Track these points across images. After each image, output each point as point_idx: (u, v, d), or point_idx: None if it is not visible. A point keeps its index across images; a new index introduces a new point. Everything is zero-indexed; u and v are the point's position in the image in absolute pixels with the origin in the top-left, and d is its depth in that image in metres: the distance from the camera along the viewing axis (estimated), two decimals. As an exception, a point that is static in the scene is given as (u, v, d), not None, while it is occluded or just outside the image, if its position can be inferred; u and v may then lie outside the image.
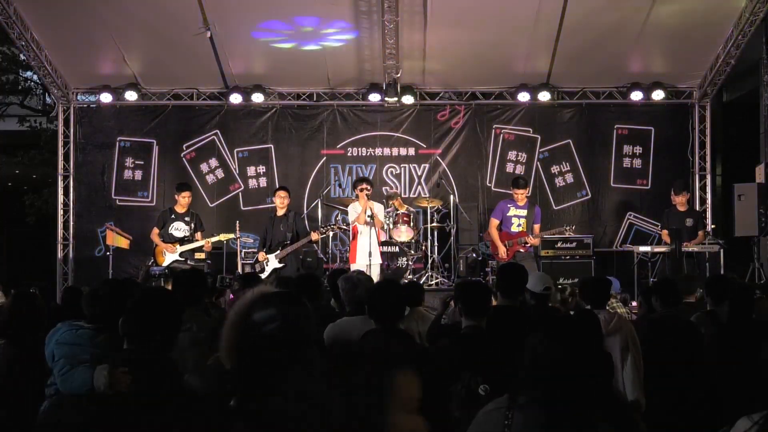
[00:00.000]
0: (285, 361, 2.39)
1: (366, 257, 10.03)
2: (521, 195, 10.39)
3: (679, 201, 10.87)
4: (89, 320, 3.86)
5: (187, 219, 10.71)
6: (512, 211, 10.40)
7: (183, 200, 10.70)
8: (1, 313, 4.83)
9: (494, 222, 10.49)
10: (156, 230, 10.73)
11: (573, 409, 2.34)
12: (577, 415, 2.33)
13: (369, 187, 10.56)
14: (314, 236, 10.45)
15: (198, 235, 10.70)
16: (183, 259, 10.44)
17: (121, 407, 2.87)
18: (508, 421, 2.39)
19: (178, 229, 10.67)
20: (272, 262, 10.45)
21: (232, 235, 10.94)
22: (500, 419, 2.41)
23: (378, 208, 10.53)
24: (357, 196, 10.66)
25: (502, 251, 10.23)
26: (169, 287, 5.96)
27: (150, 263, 10.75)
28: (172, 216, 10.71)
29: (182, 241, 10.60)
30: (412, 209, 11.37)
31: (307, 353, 2.42)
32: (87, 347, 3.67)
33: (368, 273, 9.53)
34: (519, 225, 10.35)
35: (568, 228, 10.63)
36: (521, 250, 10.29)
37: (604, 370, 4.61)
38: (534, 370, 2.45)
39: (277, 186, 11.72)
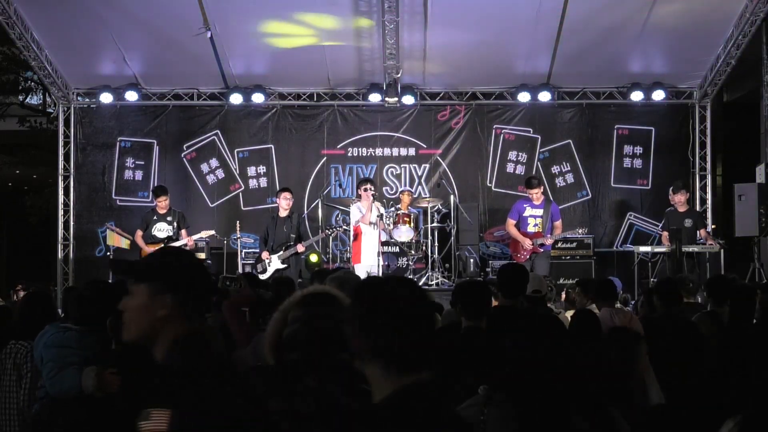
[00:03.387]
0: (301, 364, 2.38)
1: (374, 257, 10.01)
2: (536, 194, 10.38)
3: (678, 200, 10.87)
4: (77, 321, 3.83)
5: (169, 219, 10.70)
6: (528, 211, 10.38)
7: (161, 204, 10.70)
8: (14, 314, 4.82)
9: (511, 222, 10.45)
10: (139, 232, 10.73)
11: (545, 406, 2.37)
12: (550, 412, 2.36)
13: (373, 188, 10.57)
14: (300, 248, 10.47)
15: (183, 232, 10.70)
16: None
17: (110, 408, 2.85)
18: (483, 417, 2.41)
19: (161, 230, 10.66)
20: (275, 263, 10.45)
21: (212, 232, 10.98)
22: (476, 415, 2.44)
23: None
24: (359, 196, 10.66)
25: (528, 243, 10.15)
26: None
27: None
28: (155, 217, 10.72)
29: (166, 241, 10.58)
30: (413, 209, 11.38)
31: (329, 358, 2.39)
32: (75, 349, 3.64)
33: (375, 273, 9.60)
34: (536, 225, 10.32)
35: (581, 230, 10.69)
36: (540, 250, 10.27)
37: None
38: (507, 368, 2.48)
39: (279, 187, 11.73)
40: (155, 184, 12.71)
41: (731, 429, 2.21)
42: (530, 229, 10.33)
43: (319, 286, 2.66)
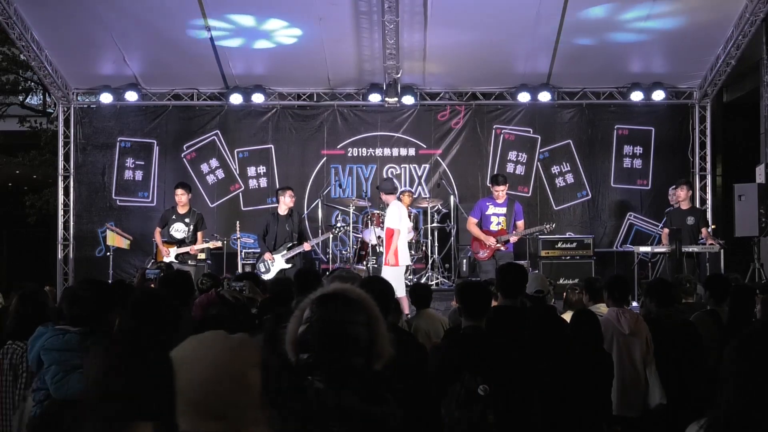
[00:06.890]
0: (309, 364, 2.37)
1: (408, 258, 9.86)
2: (500, 192, 10.14)
3: (679, 196, 10.79)
4: (70, 322, 3.79)
5: (187, 220, 10.69)
6: (491, 210, 10.18)
7: (177, 198, 10.70)
8: (8, 315, 4.81)
9: (472, 221, 10.23)
10: (158, 229, 10.76)
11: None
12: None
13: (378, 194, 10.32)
14: (306, 247, 10.45)
15: (199, 235, 10.69)
16: (177, 261, 10.41)
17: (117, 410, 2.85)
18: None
19: (177, 230, 10.65)
20: (279, 262, 10.43)
21: (219, 243, 10.91)
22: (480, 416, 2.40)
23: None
24: (400, 199, 10.36)
25: (491, 241, 10.04)
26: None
27: (149, 265, 10.72)
28: (173, 216, 10.72)
29: (180, 243, 10.59)
30: (413, 209, 11.38)
31: (337, 362, 2.38)
32: (78, 352, 3.62)
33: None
34: (498, 224, 10.12)
35: (548, 226, 10.47)
36: (502, 249, 10.02)
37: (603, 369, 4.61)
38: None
39: (279, 186, 11.71)
40: (155, 184, 12.75)
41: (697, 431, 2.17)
42: (493, 227, 10.10)
43: (340, 285, 2.62)
